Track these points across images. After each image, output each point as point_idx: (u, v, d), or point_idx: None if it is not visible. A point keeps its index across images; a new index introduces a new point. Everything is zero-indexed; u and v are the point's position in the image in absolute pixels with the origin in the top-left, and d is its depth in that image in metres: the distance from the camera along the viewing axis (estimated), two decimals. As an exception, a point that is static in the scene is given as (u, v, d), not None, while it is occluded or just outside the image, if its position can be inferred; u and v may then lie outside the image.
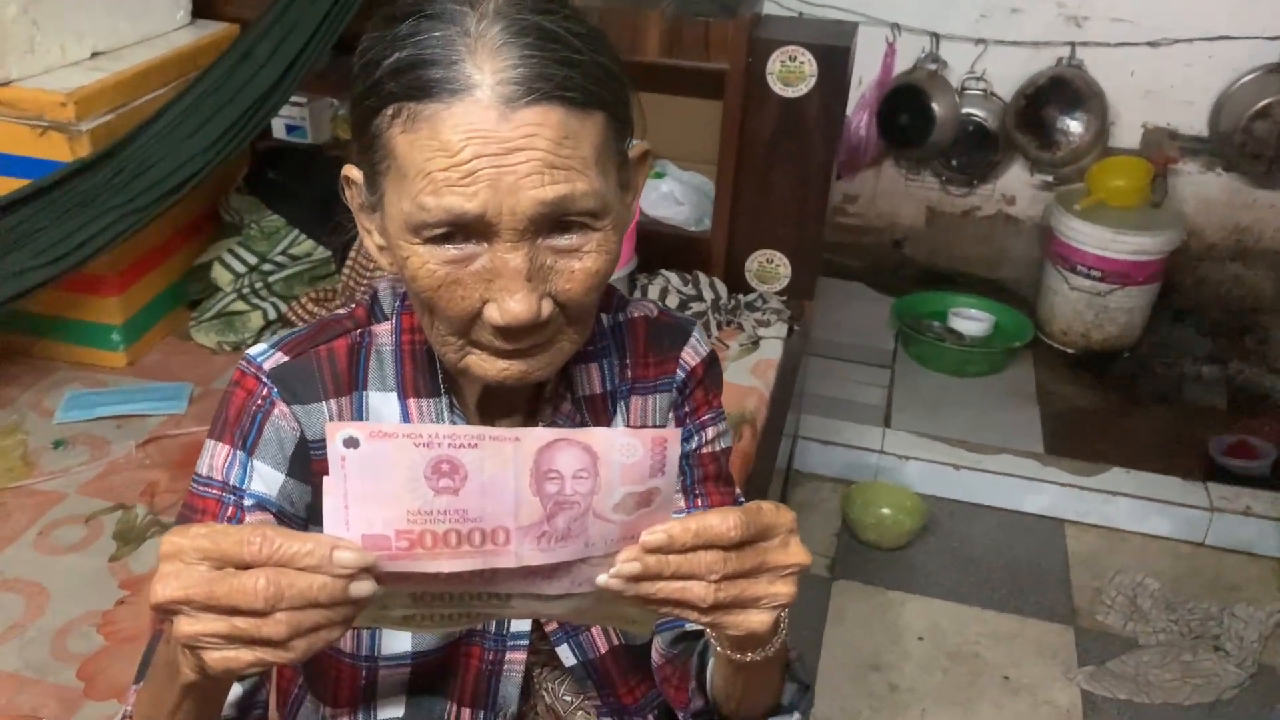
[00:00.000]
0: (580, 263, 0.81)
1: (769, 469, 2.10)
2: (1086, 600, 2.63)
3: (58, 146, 2.05)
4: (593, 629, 1.04)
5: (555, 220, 0.78)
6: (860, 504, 2.79)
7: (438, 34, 0.76)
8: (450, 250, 0.78)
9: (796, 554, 0.73)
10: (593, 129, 0.78)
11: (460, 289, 0.80)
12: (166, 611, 0.65)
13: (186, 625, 0.64)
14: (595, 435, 0.65)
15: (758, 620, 0.73)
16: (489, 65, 0.75)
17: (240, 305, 2.35)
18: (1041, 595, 2.64)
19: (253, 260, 2.39)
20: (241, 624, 0.63)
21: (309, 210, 2.45)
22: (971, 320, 3.53)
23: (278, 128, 2.66)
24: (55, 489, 1.90)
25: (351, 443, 0.62)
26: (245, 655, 0.64)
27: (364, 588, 0.64)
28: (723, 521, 0.69)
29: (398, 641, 0.98)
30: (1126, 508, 2.87)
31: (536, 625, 1.02)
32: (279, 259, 2.41)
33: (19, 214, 1.96)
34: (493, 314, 0.79)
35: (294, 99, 2.59)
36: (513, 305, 0.78)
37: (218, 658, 0.65)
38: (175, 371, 2.27)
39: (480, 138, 0.74)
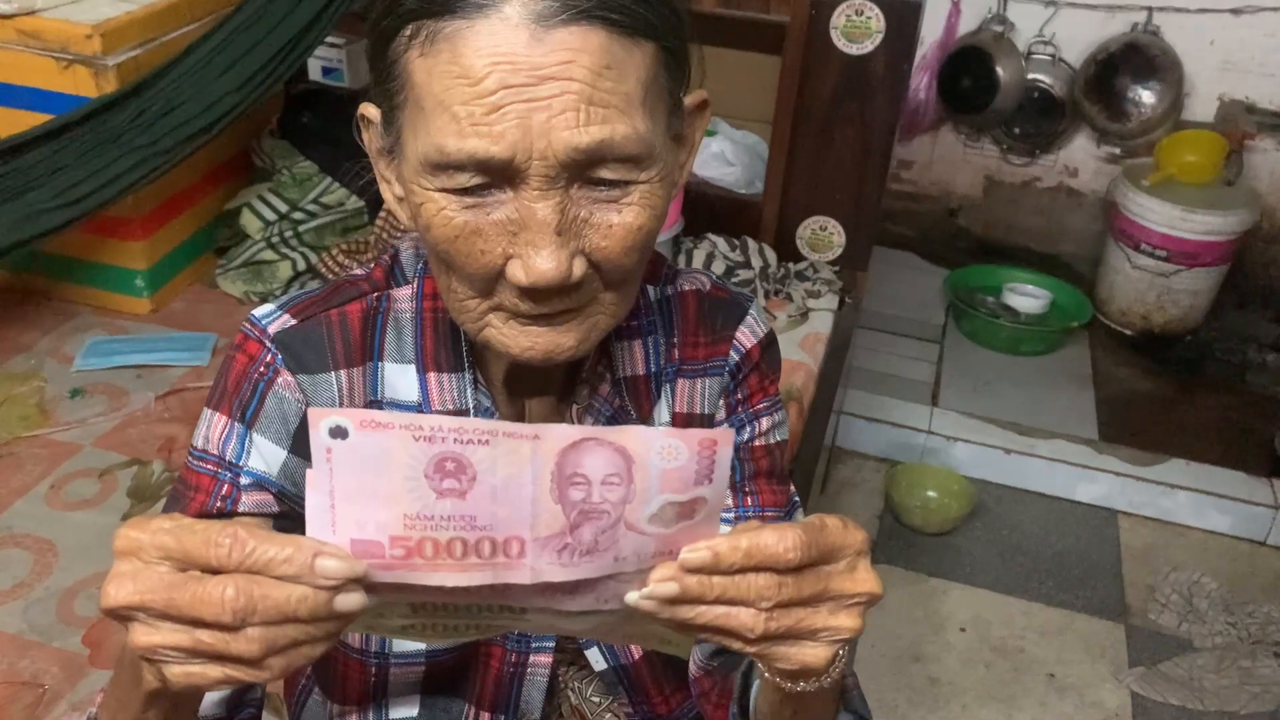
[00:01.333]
0: (619, 216, 0.69)
1: (815, 449, 1.99)
2: (1139, 597, 2.51)
3: (82, 81, 1.97)
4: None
5: (592, 168, 0.67)
6: (905, 486, 2.68)
7: None
8: (471, 196, 0.68)
9: (865, 581, 0.62)
10: (640, 61, 0.67)
11: (480, 240, 0.69)
12: (119, 618, 0.55)
13: (143, 635, 0.55)
14: (631, 435, 0.55)
15: (813, 655, 0.62)
16: None
17: (269, 254, 2.26)
18: (1092, 590, 2.52)
19: (283, 208, 2.30)
20: (206, 638, 0.54)
21: (343, 157, 2.36)
22: (1027, 296, 3.38)
23: (314, 69, 2.55)
24: (71, 440, 1.83)
25: (339, 432, 0.52)
26: (212, 671, 0.55)
27: (351, 601, 0.54)
28: (780, 541, 0.58)
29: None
30: (1185, 501, 2.73)
31: (563, 627, 0.93)
32: (310, 207, 2.32)
33: (39, 151, 1.88)
34: (516, 272, 0.69)
35: (331, 40, 2.48)
36: (539, 262, 0.67)
37: (179, 673, 0.55)
38: (200, 321, 2.19)
39: (508, 63, 0.63)
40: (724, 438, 0.56)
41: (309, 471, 0.53)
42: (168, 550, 0.54)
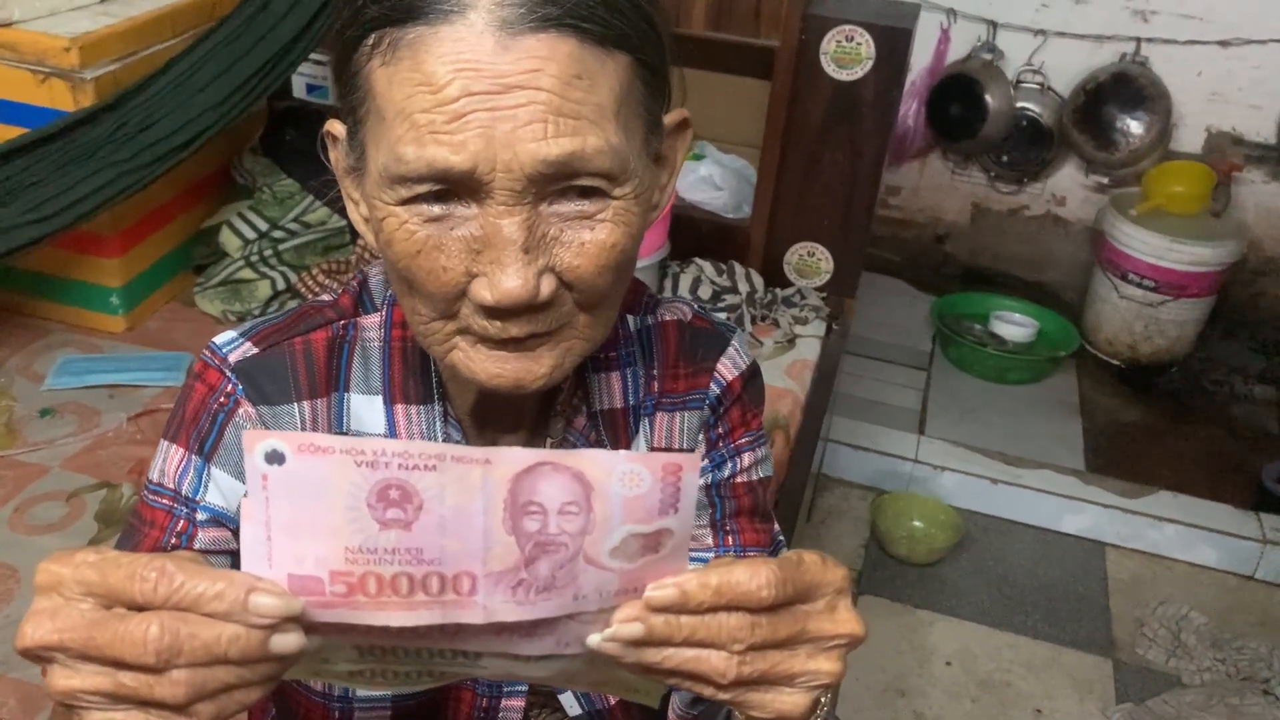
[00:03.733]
0: (592, 234, 0.66)
1: (802, 480, 1.95)
2: (1126, 631, 2.48)
3: (60, 95, 1.92)
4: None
5: (561, 182, 0.64)
6: (891, 515, 2.65)
7: None
8: (434, 208, 0.64)
9: (846, 622, 0.58)
10: (613, 73, 0.64)
11: (442, 257, 0.65)
12: (37, 659, 0.51)
13: (61, 678, 0.50)
14: (588, 459, 0.51)
15: (790, 703, 0.58)
16: None
17: (248, 273, 2.22)
18: (1079, 623, 2.49)
19: (263, 226, 2.26)
20: (129, 680, 0.49)
21: (325, 176, 2.32)
22: (1014, 325, 3.37)
23: (298, 86, 2.52)
24: (38, 461, 1.78)
25: (275, 457, 0.49)
26: (136, 718, 0.51)
27: (289, 642, 0.50)
28: (753, 578, 0.54)
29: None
30: (1172, 534, 2.71)
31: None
32: (291, 226, 2.28)
33: (14, 164, 1.83)
34: (481, 291, 0.65)
35: (316, 56, 2.45)
36: (504, 280, 0.63)
37: (101, 719, 0.51)
38: (176, 340, 2.14)
39: (471, 70, 0.60)
40: (689, 463, 0.52)
41: (243, 500, 0.50)
42: (90, 585, 0.50)
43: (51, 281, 2.12)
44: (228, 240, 2.24)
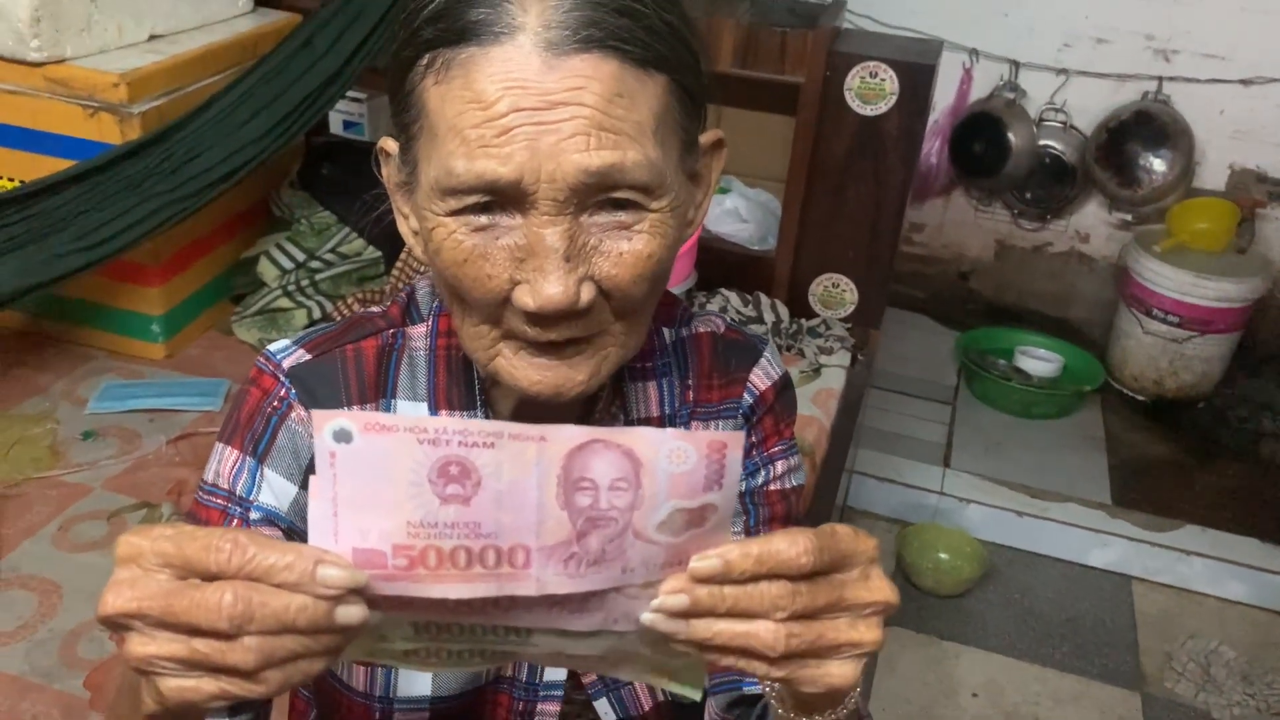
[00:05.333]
0: (630, 244, 0.69)
1: (828, 508, 1.97)
2: (1155, 665, 2.46)
3: (108, 128, 2.00)
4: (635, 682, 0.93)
5: (602, 194, 0.67)
6: (917, 547, 2.65)
7: None
8: (481, 219, 0.68)
9: (880, 589, 0.59)
10: (653, 92, 0.68)
11: (488, 264, 0.69)
12: (116, 626, 0.54)
13: (139, 645, 0.53)
14: (639, 436, 0.53)
15: (839, 674, 0.59)
16: (535, 7, 0.65)
17: (285, 302, 2.28)
18: (1107, 656, 2.48)
19: (300, 256, 2.32)
20: (203, 647, 0.52)
21: (361, 209, 2.38)
22: (1039, 360, 3.37)
23: (335, 123, 2.59)
24: (81, 481, 1.83)
25: (343, 436, 0.51)
26: (206, 685, 0.53)
27: (352, 613, 0.53)
28: (791, 545, 0.56)
29: (416, 683, 0.87)
30: (1200, 568, 2.70)
31: (572, 675, 0.91)
32: (327, 257, 2.33)
33: (63, 195, 1.90)
34: (523, 297, 0.68)
35: (353, 94, 2.53)
36: (546, 287, 0.67)
37: (174, 686, 0.54)
38: (214, 367, 2.20)
39: (519, 88, 0.64)
40: (733, 441, 0.54)
41: (312, 478, 0.52)
42: (168, 557, 0.53)
43: (95, 309, 2.18)
44: (266, 270, 2.30)
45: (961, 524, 2.79)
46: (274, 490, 0.81)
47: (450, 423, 0.52)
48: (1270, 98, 3.33)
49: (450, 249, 0.69)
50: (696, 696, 0.69)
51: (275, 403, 0.81)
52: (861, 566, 0.60)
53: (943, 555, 2.64)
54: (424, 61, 0.68)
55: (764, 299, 2.34)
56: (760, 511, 0.92)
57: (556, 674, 0.90)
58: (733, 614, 0.56)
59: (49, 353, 2.17)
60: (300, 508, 0.80)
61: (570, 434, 0.53)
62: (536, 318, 0.69)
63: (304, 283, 2.30)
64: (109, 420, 1.99)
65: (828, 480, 2.00)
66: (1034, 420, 3.24)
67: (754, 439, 0.93)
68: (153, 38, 2.17)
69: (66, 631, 1.52)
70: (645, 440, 0.53)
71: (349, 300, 2.25)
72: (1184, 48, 3.35)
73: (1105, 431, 3.25)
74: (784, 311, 2.34)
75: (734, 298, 2.33)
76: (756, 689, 0.89)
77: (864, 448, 2.83)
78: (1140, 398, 3.42)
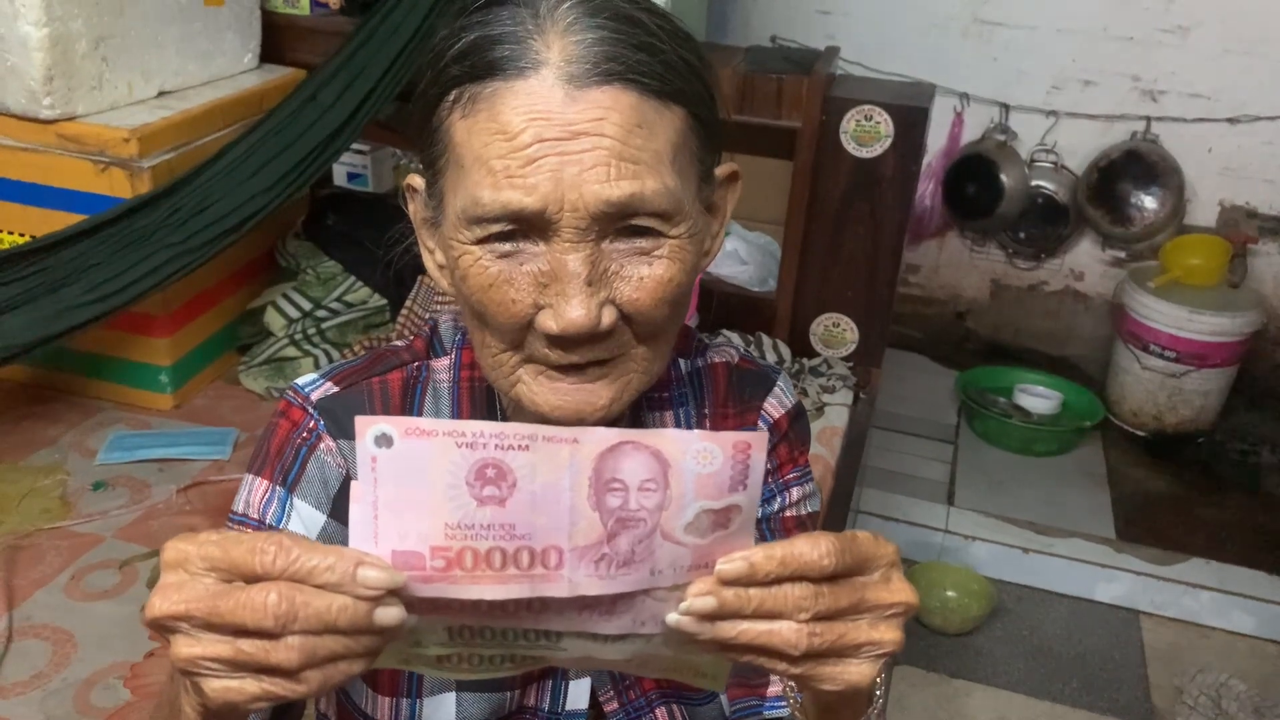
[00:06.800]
0: (650, 269, 0.72)
1: (834, 542, 1.97)
2: (1166, 699, 2.46)
3: (118, 183, 2.02)
4: (657, 711, 0.94)
5: (622, 221, 0.70)
6: (924, 585, 2.65)
7: (506, 14, 0.70)
8: (505, 246, 0.71)
9: (901, 591, 0.61)
10: (670, 123, 0.71)
11: (512, 290, 0.71)
12: (163, 629, 0.56)
13: (185, 646, 0.55)
14: (666, 438, 0.55)
15: (858, 673, 0.61)
16: (557, 44, 0.69)
17: (292, 351, 2.30)
18: (1117, 691, 2.47)
19: (307, 306, 2.34)
20: (248, 647, 0.54)
21: (366, 258, 2.41)
22: (1038, 397, 3.40)
23: (339, 175, 2.63)
24: (92, 531, 1.83)
25: (384, 440, 0.53)
26: (250, 686, 0.55)
27: (390, 614, 0.54)
28: (813, 548, 0.58)
29: (439, 711, 0.88)
30: (1208, 601, 2.70)
31: (594, 703, 0.92)
32: (333, 305, 2.36)
33: (76, 248, 1.93)
34: (546, 320, 0.71)
35: (357, 147, 2.57)
36: (569, 310, 0.69)
37: (219, 687, 0.55)
38: (222, 416, 2.21)
39: (542, 119, 0.67)
40: (757, 441, 0.56)
41: (353, 483, 0.54)
42: (214, 561, 0.55)
43: (104, 361, 2.20)
44: (273, 319, 2.32)
45: (967, 561, 2.80)
46: (303, 519, 0.82)
47: (487, 426, 0.54)
48: (1257, 135, 3.39)
49: (476, 275, 0.72)
50: (720, 689, 0.70)
51: (304, 434, 0.83)
52: (883, 570, 0.61)
53: (950, 593, 2.64)
54: (451, 97, 0.71)
55: (766, 339, 2.36)
56: (776, 538, 0.93)
57: (579, 704, 0.91)
58: (757, 615, 0.58)
59: (58, 405, 2.19)
60: (328, 535, 0.82)
61: (602, 435, 0.55)
62: (559, 340, 0.72)
63: (310, 331, 2.32)
64: (119, 470, 2.00)
65: (833, 519, 2.01)
66: (1036, 457, 3.26)
67: (769, 466, 0.95)
68: (161, 94, 2.20)
69: (80, 680, 1.52)
70: (672, 441, 0.55)
71: (355, 348, 2.28)
72: (1170, 88, 3.42)
73: (1107, 467, 3.27)
74: (786, 351, 2.37)
75: (736, 338, 2.35)
76: (779, 713, 0.90)
77: (868, 487, 2.84)
78: (1140, 433, 3.44)
